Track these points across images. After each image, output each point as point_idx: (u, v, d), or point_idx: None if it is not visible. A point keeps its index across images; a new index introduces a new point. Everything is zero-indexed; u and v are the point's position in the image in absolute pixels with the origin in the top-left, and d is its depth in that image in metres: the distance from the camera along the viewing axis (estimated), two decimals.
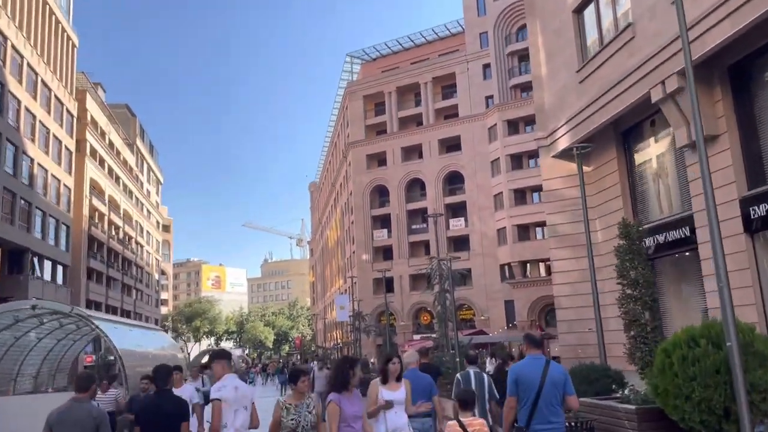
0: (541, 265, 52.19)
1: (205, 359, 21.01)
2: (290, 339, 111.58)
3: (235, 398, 6.30)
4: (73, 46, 53.86)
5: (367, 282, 62.47)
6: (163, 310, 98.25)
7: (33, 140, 43.70)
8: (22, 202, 41.64)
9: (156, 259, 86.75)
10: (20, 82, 41.81)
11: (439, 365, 20.58)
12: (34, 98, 44.24)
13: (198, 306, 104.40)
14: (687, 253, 15.24)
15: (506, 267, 54.10)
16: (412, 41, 70.42)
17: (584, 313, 18.46)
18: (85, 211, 55.34)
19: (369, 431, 6.08)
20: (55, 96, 48.57)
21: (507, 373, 6.71)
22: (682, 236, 14.94)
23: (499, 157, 55.12)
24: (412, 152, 63.82)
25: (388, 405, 6.31)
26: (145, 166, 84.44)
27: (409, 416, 6.53)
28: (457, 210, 60.97)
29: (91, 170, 57.03)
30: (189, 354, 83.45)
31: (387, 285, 52.25)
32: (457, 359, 21.82)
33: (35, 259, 44.10)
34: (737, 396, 7.06)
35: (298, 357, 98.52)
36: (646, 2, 14.64)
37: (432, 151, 61.76)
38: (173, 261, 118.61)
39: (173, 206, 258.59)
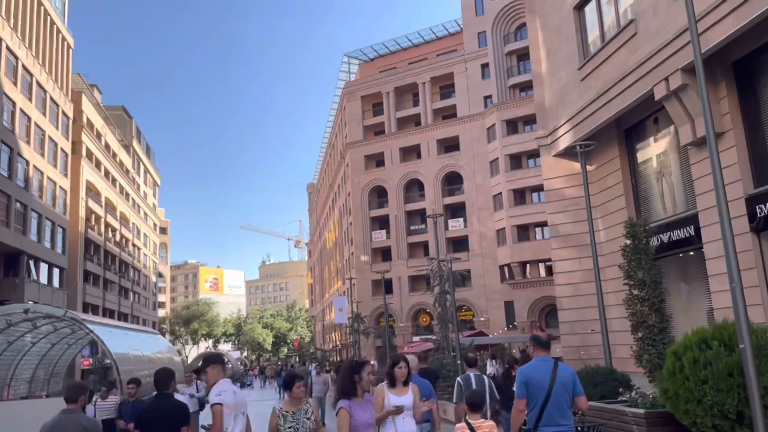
0: (541, 266, 51.99)
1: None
2: (289, 341, 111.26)
3: (235, 403, 6.14)
4: (69, 47, 53.58)
5: (365, 283, 62.22)
6: (161, 312, 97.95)
7: (28, 142, 43.41)
8: (18, 204, 41.33)
9: (153, 261, 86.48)
10: (15, 83, 41.53)
11: (440, 368, 20.40)
12: (29, 100, 43.95)
13: (196, 308, 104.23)
14: (691, 253, 15.03)
15: (506, 268, 53.86)
16: (410, 41, 70.24)
17: (587, 314, 18.26)
18: (82, 213, 55.05)
19: None
20: (51, 98, 48.29)
21: (514, 379, 6.51)
22: (686, 236, 14.73)
23: (498, 157, 54.90)
24: (411, 153, 63.61)
25: (399, 410, 5.94)
26: (142, 168, 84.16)
27: (417, 422, 6.21)
28: (456, 210, 60.74)
29: (88, 172, 56.76)
30: (187, 357, 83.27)
31: (386, 286, 52.04)
32: (459, 361, 21.57)
33: (31, 262, 43.83)
34: (751, 400, 6.83)
35: (297, 359, 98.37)
36: None
37: (430, 151, 61.55)
38: (171, 263, 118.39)
39: (170, 208, 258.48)
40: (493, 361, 31.53)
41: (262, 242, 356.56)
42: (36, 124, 44.93)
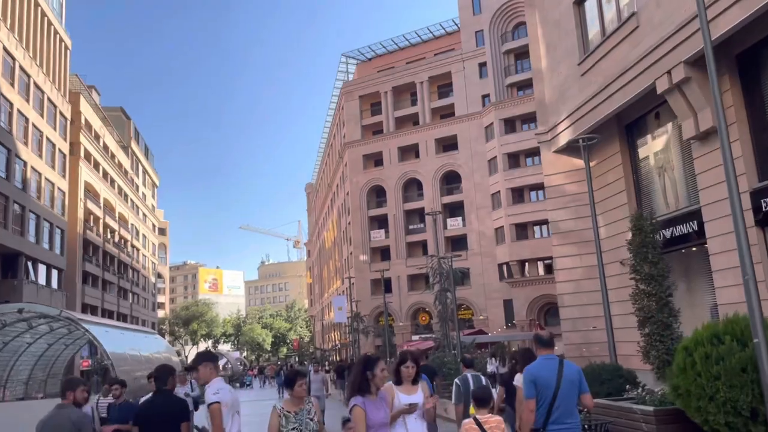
0: (540, 264, 51.93)
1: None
2: (288, 341, 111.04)
3: (232, 402, 5.99)
4: (66, 48, 53.35)
5: (364, 283, 62.06)
6: (160, 313, 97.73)
7: (26, 143, 43.20)
8: (16, 206, 41.14)
9: (152, 262, 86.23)
10: (12, 84, 41.33)
11: (441, 366, 20.22)
12: (27, 101, 43.73)
13: (195, 309, 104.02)
14: (694, 249, 14.86)
15: (504, 266, 53.76)
16: (408, 40, 70.09)
17: (589, 311, 18.09)
18: (80, 214, 54.80)
19: None
20: (48, 98, 48.07)
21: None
22: (689, 231, 14.56)
23: (496, 156, 54.77)
24: (409, 152, 63.45)
25: (412, 408, 5.63)
26: (141, 168, 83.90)
27: (429, 423, 5.94)
28: (455, 209, 60.61)
29: (86, 173, 56.51)
30: (186, 357, 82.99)
31: (385, 285, 51.94)
32: (460, 360, 21.39)
33: (29, 263, 43.61)
34: (766, 396, 6.64)
35: (296, 359, 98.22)
36: None
37: (429, 150, 61.41)
38: (170, 264, 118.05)
39: (169, 209, 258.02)
40: (494, 359, 31.47)
41: (261, 242, 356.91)
42: (34, 125, 44.71)
